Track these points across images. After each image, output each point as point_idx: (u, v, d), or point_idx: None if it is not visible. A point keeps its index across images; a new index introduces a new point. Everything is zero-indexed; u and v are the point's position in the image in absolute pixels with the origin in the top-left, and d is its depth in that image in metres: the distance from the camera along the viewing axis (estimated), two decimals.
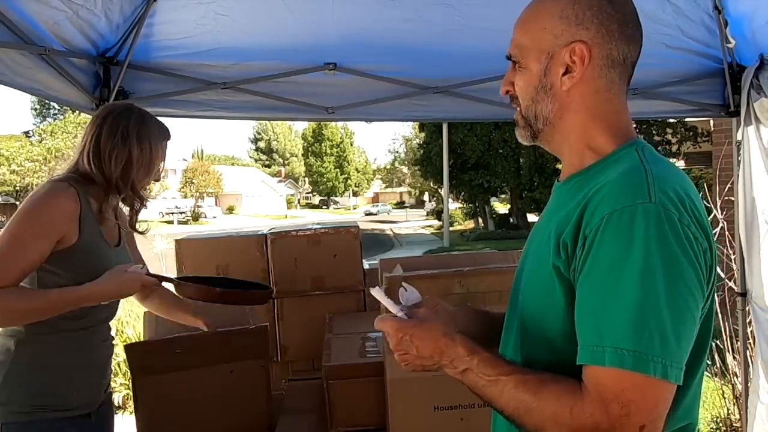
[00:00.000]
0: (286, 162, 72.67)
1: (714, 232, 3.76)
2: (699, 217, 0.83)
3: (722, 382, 3.45)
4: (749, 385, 2.64)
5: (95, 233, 1.59)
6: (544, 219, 1.01)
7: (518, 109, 0.99)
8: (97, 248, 1.59)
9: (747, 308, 2.68)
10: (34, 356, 1.52)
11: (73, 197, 1.53)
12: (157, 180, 1.76)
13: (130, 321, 4.65)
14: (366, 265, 2.61)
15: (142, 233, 1.80)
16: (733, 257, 3.07)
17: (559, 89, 0.93)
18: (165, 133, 1.73)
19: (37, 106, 45.69)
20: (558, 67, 0.92)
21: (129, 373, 1.84)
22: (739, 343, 2.95)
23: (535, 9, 0.96)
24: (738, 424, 3.31)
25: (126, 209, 1.74)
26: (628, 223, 0.78)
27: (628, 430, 0.76)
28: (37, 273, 1.50)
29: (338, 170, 63.78)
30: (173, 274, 2.40)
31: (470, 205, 26.88)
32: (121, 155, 1.60)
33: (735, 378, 3.30)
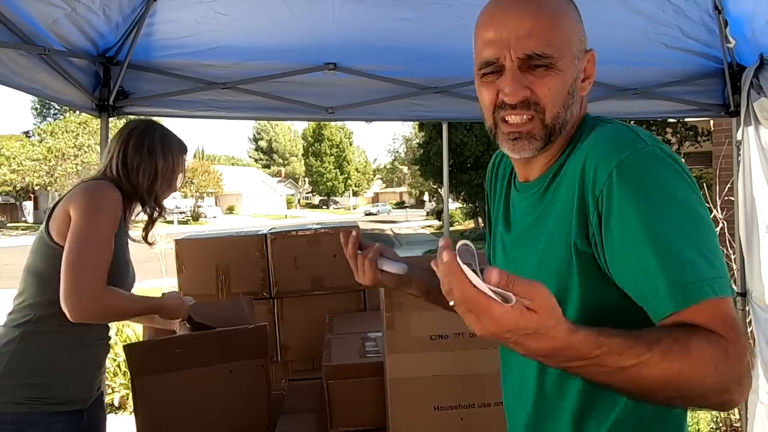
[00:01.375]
0: (285, 162, 72.67)
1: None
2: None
3: None
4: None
5: (123, 234, 1.69)
6: (527, 219, 0.96)
7: (536, 117, 0.87)
8: (123, 249, 1.68)
9: (747, 308, 2.68)
10: (33, 350, 1.55)
11: (117, 191, 1.64)
12: (175, 191, 1.87)
13: (129, 321, 4.64)
14: None
15: (151, 245, 1.88)
16: (733, 257, 3.07)
17: (578, 96, 0.92)
18: (184, 148, 1.86)
19: (38, 106, 45.69)
20: (581, 73, 0.92)
21: (128, 373, 1.84)
22: None
23: (556, 6, 0.87)
24: (738, 424, 3.31)
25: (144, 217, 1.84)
26: (642, 166, 0.77)
27: (745, 349, 0.74)
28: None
29: (338, 170, 63.79)
30: (174, 278, 2.43)
31: (470, 205, 26.88)
32: (148, 168, 1.72)
33: None
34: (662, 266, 0.73)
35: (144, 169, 1.71)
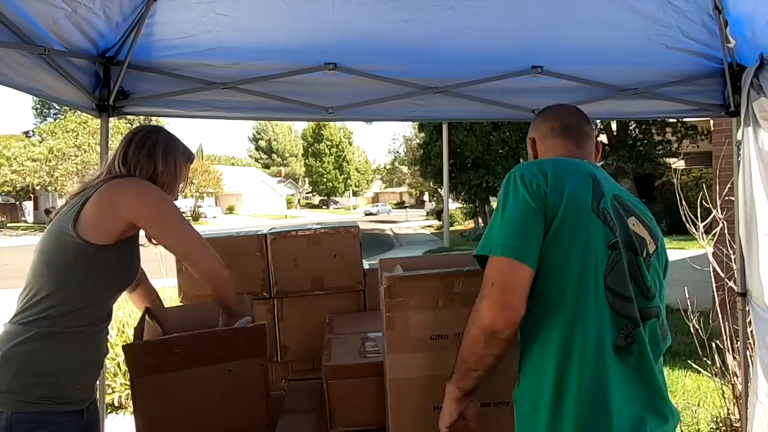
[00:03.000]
0: (285, 162, 72.65)
1: (714, 232, 3.77)
2: (545, 173, 1.30)
3: (722, 382, 3.44)
4: (749, 385, 2.64)
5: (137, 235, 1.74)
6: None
7: None
8: (136, 250, 1.75)
9: (747, 308, 2.68)
10: (48, 350, 1.55)
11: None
12: (175, 199, 1.86)
13: (130, 322, 4.65)
14: (366, 265, 2.61)
15: (155, 245, 1.87)
16: (733, 257, 3.07)
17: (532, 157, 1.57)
18: (188, 156, 1.87)
19: (38, 106, 45.69)
20: (530, 151, 1.58)
21: (128, 373, 1.84)
22: (739, 343, 2.95)
23: None
24: (738, 424, 3.31)
25: None
26: (503, 184, 1.35)
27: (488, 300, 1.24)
28: (95, 249, 1.58)
29: (338, 170, 63.76)
30: (174, 278, 2.43)
31: (470, 205, 26.87)
32: (146, 168, 1.72)
33: (735, 378, 3.30)
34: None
35: (141, 169, 1.71)
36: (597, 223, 1.25)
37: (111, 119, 2.62)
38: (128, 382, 3.84)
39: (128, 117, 2.58)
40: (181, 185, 1.84)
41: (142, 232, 1.85)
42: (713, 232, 3.68)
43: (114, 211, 1.59)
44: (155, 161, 1.73)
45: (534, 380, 1.27)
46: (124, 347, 1.80)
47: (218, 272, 1.68)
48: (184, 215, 1.70)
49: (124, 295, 1.86)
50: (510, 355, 1.30)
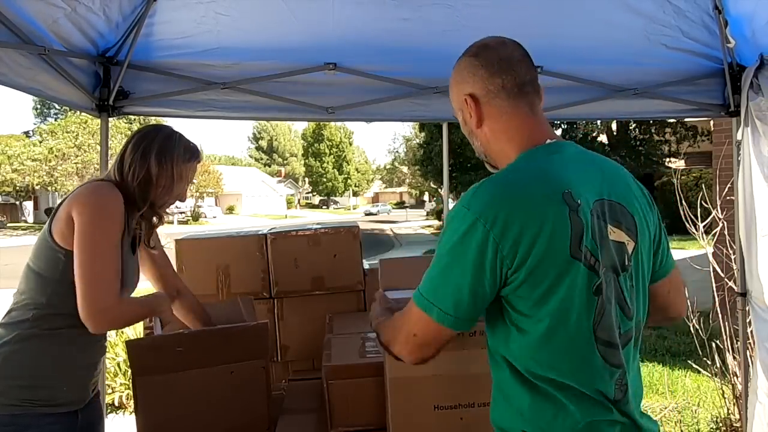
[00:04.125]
0: (285, 162, 72.66)
1: (714, 232, 3.76)
2: (504, 217, 1.05)
3: (722, 382, 3.45)
4: (749, 385, 2.64)
5: (127, 238, 1.67)
6: None
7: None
8: (127, 255, 1.66)
9: (747, 308, 2.68)
10: (29, 351, 1.53)
11: (118, 192, 1.61)
12: (182, 201, 1.81)
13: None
14: (366, 265, 2.61)
15: (152, 248, 1.85)
16: (733, 257, 3.07)
17: (475, 129, 1.26)
18: (191, 155, 1.76)
19: (38, 106, 45.71)
20: (468, 115, 1.24)
21: (129, 373, 1.84)
22: (739, 343, 2.95)
23: (451, 79, 1.29)
24: (738, 424, 3.31)
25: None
26: (449, 214, 1.15)
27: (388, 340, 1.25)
28: (65, 259, 1.53)
29: (338, 170, 63.78)
30: None
31: None
32: (139, 172, 1.66)
33: (735, 378, 3.30)
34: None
35: (134, 173, 1.66)
36: (580, 271, 1.06)
37: (111, 119, 2.62)
38: (128, 382, 3.84)
39: (128, 117, 2.58)
40: (184, 186, 1.76)
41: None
42: (713, 232, 3.69)
43: (70, 217, 1.54)
44: (148, 164, 1.67)
45: None
46: (126, 343, 1.80)
47: (94, 322, 1.49)
48: (111, 243, 1.54)
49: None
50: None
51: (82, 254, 1.49)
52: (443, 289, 1.09)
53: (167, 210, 1.83)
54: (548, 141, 1.17)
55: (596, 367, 1.09)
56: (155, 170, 1.67)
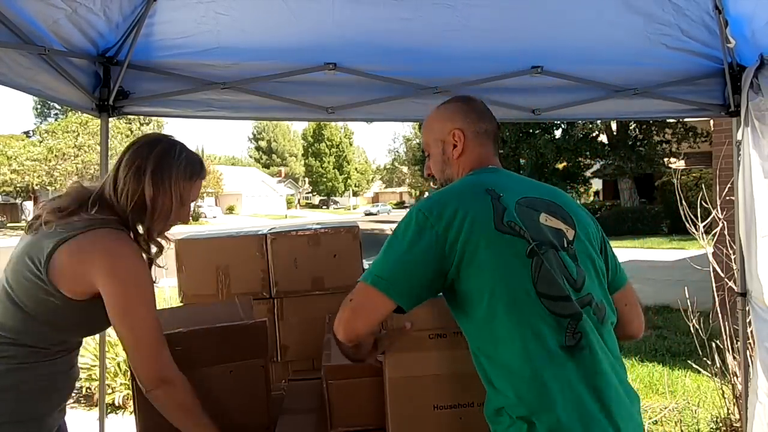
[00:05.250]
0: (285, 162, 72.66)
1: (714, 232, 3.76)
2: (436, 208, 1.30)
3: (722, 382, 3.44)
4: (749, 385, 2.64)
5: None
6: None
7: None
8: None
9: (747, 308, 2.68)
10: (18, 383, 1.42)
11: (135, 246, 1.48)
12: (185, 222, 1.62)
13: None
14: (366, 265, 2.61)
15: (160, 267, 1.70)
16: (733, 257, 3.07)
17: (455, 159, 1.51)
18: (192, 173, 1.57)
19: (38, 106, 45.71)
20: (449, 146, 1.52)
21: (129, 373, 1.84)
22: (739, 343, 2.95)
23: (427, 121, 1.61)
24: (738, 424, 3.31)
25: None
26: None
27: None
28: (61, 303, 1.40)
29: (338, 170, 63.77)
30: (174, 278, 2.42)
31: None
32: (132, 194, 1.48)
33: (735, 378, 3.30)
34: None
35: (128, 195, 1.48)
36: (507, 239, 1.26)
37: (111, 119, 2.62)
38: (128, 382, 3.83)
39: (128, 117, 2.57)
40: (187, 209, 1.59)
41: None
42: (713, 232, 3.68)
43: (84, 274, 1.40)
44: (142, 186, 1.48)
45: (502, 401, 1.28)
46: None
47: (156, 381, 1.44)
48: (152, 311, 1.46)
49: None
50: None
51: (124, 327, 1.41)
52: (382, 264, 1.28)
53: (167, 236, 1.64)
54: (490, 166, 1.48)
55: (542, 316, 1.24)
56: (150, 193, 1.48)
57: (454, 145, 1.50)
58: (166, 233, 1.61)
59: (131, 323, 1.42)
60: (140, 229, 1.53)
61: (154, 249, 1.59)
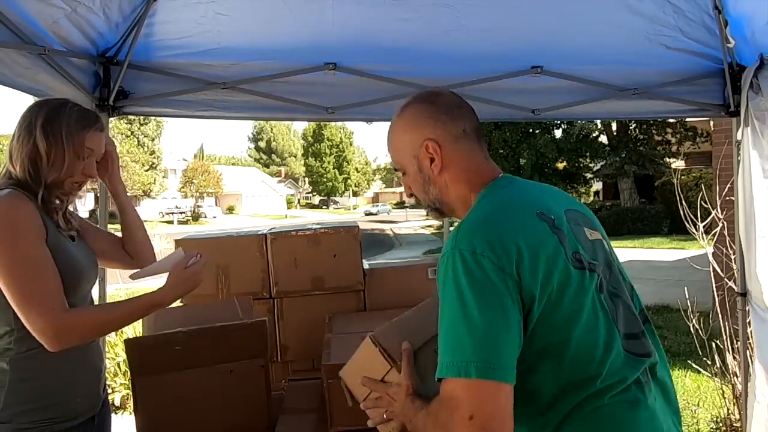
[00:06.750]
0: (285, 162, 72.66)
1: (714, 232, 3.76)
2: (497, 246, 1.00)
3: (722, 382, 3.44)
4: (749, 385, 2.64)
5: (53, 228, 1.50)
6: None
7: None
8: (64, 251, 1.50)
9: (747, 308, 2.68)
10: (30, 372, 1.45)
11: (24, 198, 1.44)
12: (91, 176, 1.58)
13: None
14: (366, 265, 2.61)
15: (72, 240, 1.59)
16: (733, 257, 3.07)
17: (435, 176, 1.21)
18: (87, 123, 1.54)
19: None
20: (425, 161, 1.21)
21: (129, 373, 1.84)
22: (739, 343, 2.95)
23: (391, 134, 1.29)
24: (738, 424, 3.31)
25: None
26: (443, 266, 1.04)
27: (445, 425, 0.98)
28: None
29: (338, 170, 63.78)
30: None
31: None
32: (26, 150, 1.46)
33: (735, 378, 3.30)
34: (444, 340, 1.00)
35: (22, 153, 1.47)
36: (580, 275, 1.05)
37: (111, 119, 2.62)
38: (128, 382, 3.84)
39: (128, 117, 2.57)
40: (81, 160, 1.52)
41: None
42: (713, 232, 3.68)
43: None
44: (34, 138, 1.46)
45: None
46: (125, 341, 1.81)
47: (46, 342, 1.38)
48: (30, 258, 1.39)
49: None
50: None
51: (7, 293, 1.37)
52: (472, 342, 0.95)
53: (74, 192, 1.58)
54: (499, 176, 1.22)
55: (623, 359, 1.06)
56: (43, 147, 1.46)
57: (432, 160, 1.20)
58: (67, 187, 1.54)
59: (4, 282, 1.37)
60: (36, 185, 1.48)
61: (57, 202, 1.54)
